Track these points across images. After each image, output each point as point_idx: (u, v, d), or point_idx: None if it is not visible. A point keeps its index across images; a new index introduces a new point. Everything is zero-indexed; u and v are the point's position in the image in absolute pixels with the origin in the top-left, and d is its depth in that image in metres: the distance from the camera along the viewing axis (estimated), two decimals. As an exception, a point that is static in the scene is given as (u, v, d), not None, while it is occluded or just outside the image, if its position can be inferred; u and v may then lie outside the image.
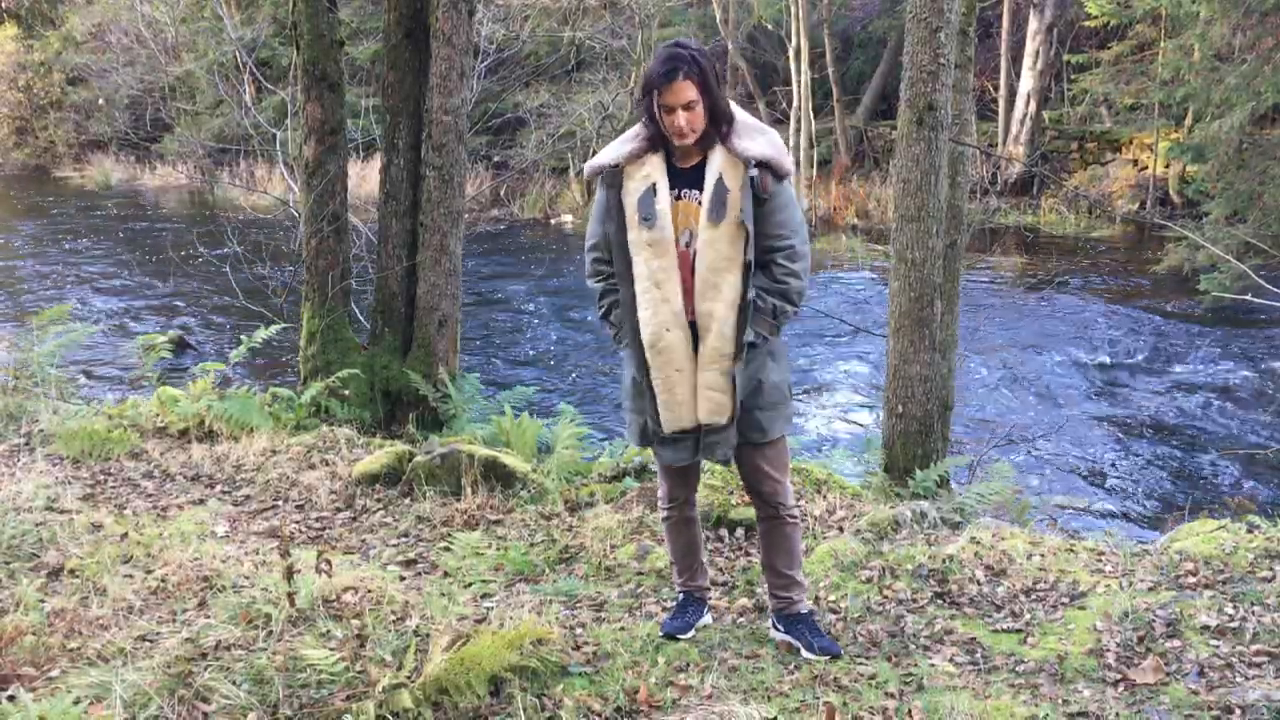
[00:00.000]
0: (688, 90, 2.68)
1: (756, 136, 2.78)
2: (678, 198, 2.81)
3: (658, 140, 2.81)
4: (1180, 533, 4.06)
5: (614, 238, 2.87)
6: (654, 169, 2.81)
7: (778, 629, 3.13)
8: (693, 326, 2.83)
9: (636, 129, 2.86)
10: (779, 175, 2.77)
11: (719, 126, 2.76)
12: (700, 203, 2.77)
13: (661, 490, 3.16)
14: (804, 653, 3.02)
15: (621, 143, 2.88)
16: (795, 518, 3.08)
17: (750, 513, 4.15)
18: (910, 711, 2.64)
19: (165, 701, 2.50)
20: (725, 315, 2.77)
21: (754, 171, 2.72)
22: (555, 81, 20.90)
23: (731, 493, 4.30)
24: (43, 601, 3.10)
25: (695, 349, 2.84)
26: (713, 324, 2.78)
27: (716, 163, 2.76)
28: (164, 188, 24.53)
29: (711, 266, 2.76)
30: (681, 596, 3.25)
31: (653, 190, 2.80)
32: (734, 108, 2.83)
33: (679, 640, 3.10)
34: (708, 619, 3.26)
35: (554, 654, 2.82)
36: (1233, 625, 3.02)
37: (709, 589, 3.34)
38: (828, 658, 2.99)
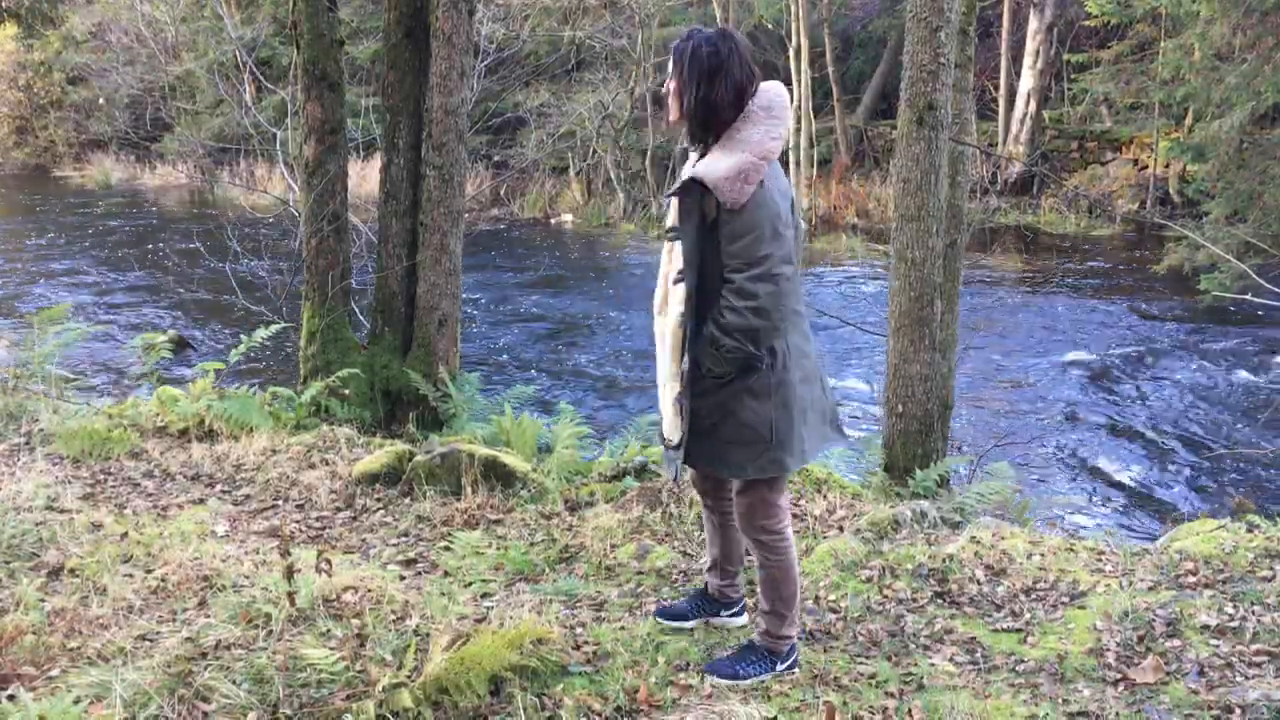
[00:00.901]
0: (669, 63, 2.68)
1: (730, 154, 2.57)
2: None
3: None
4: (1180, 532, 4.07)
5: None
6: (688, 167, 2.73)
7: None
8: None
9: None
10: (722, 203, 2.55)
11: (691, 125, 2.66)
12: None
13: None
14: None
15: None
16: (768, 557, 2.85)
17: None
18: (910, 711, 2.64)
19: (165, 701, 2.50)
20: (669, 335, 2.71)
21: (670, 191, 2.64)
22: (555, 81, 20.91)
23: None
24: (43, 601, 3.10)
25: None
26: (661, 341, 2.75)
27: (688, 170, 2.69)
28: (164, 187, 24.54)
29: (666, 282, 2.73)
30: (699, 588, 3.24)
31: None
32: (759, 115, 2.62)
33: (674, 634, 3.08)
34: (741, 619, 3.18)
35: (554, 653, 2.82)
36: (1233, 625, 3.02)
37: (737, 597, 3.21)
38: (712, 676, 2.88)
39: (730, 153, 2.58)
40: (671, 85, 2.65)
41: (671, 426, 2.76)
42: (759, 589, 2.92)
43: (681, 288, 2.65)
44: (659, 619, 3.16)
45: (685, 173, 2.64)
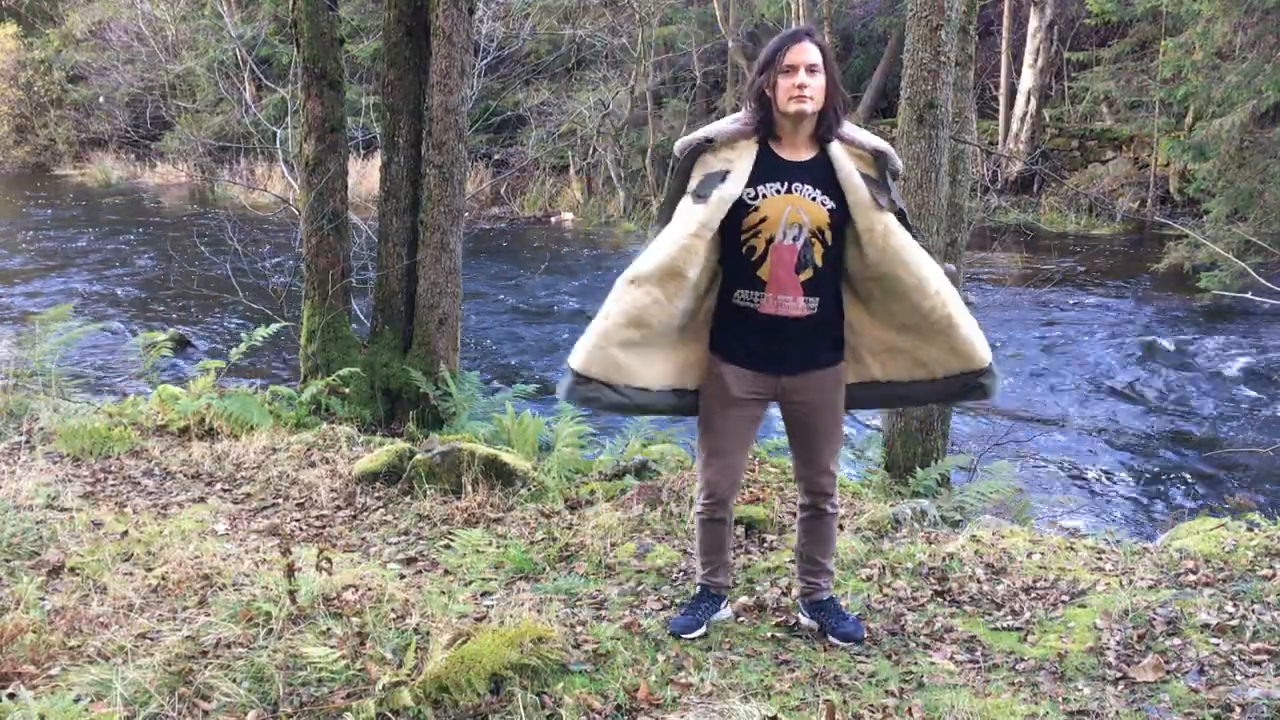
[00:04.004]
0: (814, 53, 2.72)
1: (863, 132, 2.88)
2: (786, 191, 2.79)
3: (762, 127, 2.79)
4: (1180, 531, 4.07)
5: (670, 196, 2.88)
6: (740, 156, 2.80)
7: (804, 614, 3.20)
8: (804, 322, 2.85)
9: (741, 114, 2.85)
10: (894, 173, 2.87)
11: (836, 113, 2.79)
12: (817, 199, 2.79)
13: (700, 486, 3.09)
14: (829, 637, 3.10)
15: (727, 121, 2.86)
16: (836, 509, 3.15)
17: (752, 511, 4.16)
18: (910, 709, 2.64)
19: (166, 699, 2.50)
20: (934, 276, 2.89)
21: (879, 153, 2.83)
22: (555, 79, 20.91)
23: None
24: (43, 599, 3.10)
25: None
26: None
27: (844, 155, 2.81)
28: (164, 185, 24.53)
29: (914, 248, 2.86)
30: (699, 590, 3.23)
31: (723, 175, 2.78)
32: None
33: (682, 639, 3.10)
34: (727, 613, 3.24)
35: (554, 652, 2.82)
36: (1233, 623, 3.01)
37: (730, 587, 3.32)
38: (850, 644, 3.06)
39: (859, 131, 2.87)
40: (823, 75, 2.74)
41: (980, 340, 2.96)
42: (824, 551, 3.16)
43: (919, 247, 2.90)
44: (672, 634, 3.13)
45: (870, 144, 2.84)
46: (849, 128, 2.83)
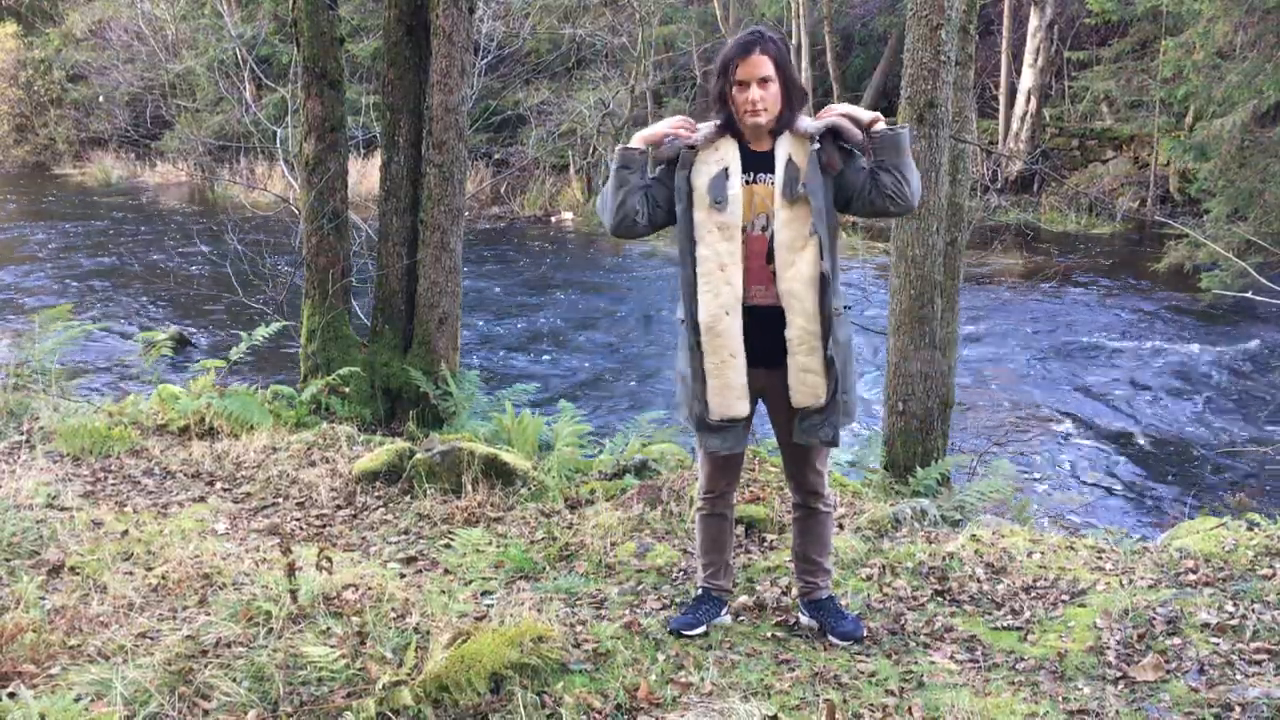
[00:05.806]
0: (764, 65, 2.76)
1: (823, 115, 2.87)
2: (752, 182, 2.85)
3: (730, 125, 2.87)
4: (1180, 530, 4.07)
5: (680, 218, 2.90)
6: (728, 153, 2.87)
7: (804, 613, 3.21)
8: (771, 312, 2.85)
9: (711, 120, 2.94)
10: (850, 144, 2.82)
11: (793, 109, 2.83)
12: (773, 185, 2.83)
13: (700, 482, 3.17)
14: (829, 636, 3.10)
15: (702, 126, 2.95)
16: (830, 507, 3.14)
17: (753, 510, 4.16)
18: (910, 709, 2.64)
19: (166, 699, 2.50)
20: (804, 292, 2.81)
21: (816, 145, 2.80)
22: (556, 79, 20.90)
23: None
24: (43, 598, 3.11)
25: (756, 336, 2.87)
26: (795, 303, 2.82)
27: (785, 143, 2.84)
28: (164, 185, 24.51)
29: (789, 245, 2.81)
30: (700, 592, 3.24)
31: (725, 174, 2.84)
32: None
33: (683, 636, 3.10)
34: (726, 619, 3.25)
35: (554, 651, 2.82)
36: (1233, 623, 3.01)
37: (731, 590, 3.32)
38: (849, 643, 3.06)
39: (817, 114, 2.89)
40: (776, 84, 2.77)
41: (817, 391, 2.86)
42: (819, 551, 3.15)
43: (811, 248, 2.80)
44: (671, 632, 3.14)
45: (803, 129, 2.83)
46: (802, 119, 2.87)
